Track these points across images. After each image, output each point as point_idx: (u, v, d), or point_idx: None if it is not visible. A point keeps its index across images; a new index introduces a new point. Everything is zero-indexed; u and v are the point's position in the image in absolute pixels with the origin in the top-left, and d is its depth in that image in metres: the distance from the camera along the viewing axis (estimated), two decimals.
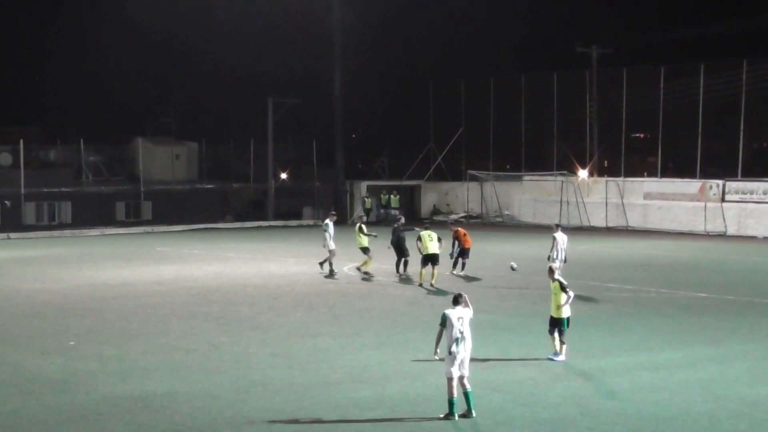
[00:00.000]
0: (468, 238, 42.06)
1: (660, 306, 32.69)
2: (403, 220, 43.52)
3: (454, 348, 19.14)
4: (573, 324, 29.10)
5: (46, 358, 24.72)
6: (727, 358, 24.54)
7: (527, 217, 73.19)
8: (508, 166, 79.50)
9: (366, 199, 76.08)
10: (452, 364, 19.13)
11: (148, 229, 68.82)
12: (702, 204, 62.88)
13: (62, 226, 68.98)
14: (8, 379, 22.51)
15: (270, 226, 71.82)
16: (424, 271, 37.70)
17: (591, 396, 20.67)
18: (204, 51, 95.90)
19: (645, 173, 71.13)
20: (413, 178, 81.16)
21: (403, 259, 40.46)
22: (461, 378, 19.24)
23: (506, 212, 75.01)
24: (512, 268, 39.00)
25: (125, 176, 77.50)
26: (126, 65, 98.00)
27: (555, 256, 36.90)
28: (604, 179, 69.75)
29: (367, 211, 74.43)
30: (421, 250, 37.75)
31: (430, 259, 37.60)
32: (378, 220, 73.88)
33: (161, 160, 79.69)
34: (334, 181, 78.24)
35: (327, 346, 25.93)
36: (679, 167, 70.92)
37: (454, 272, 41.19)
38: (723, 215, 61.83)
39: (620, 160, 70.66)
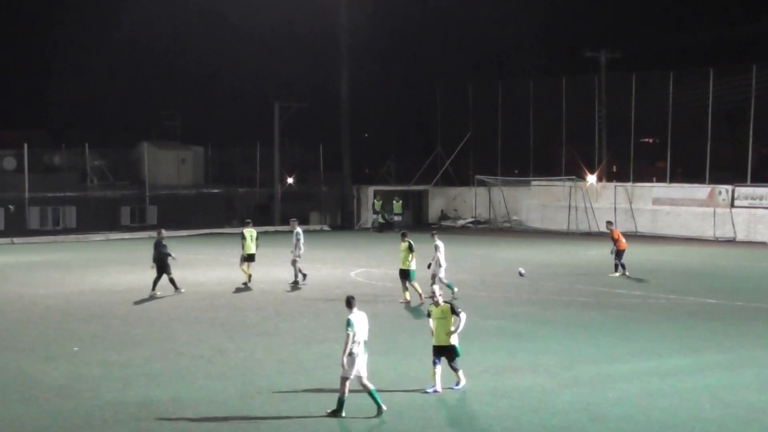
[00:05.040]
0: (621, 239, 42.25)
1: (669, 312, 32.50)
2: (164, 233, 38.72)
3: (356, 350, 19.51)
4: (581, 329, 29.03)
5: (50, 363, 24.60)
6: (736, 364, 24.37)
7: (535, 223, 72.99)
8: (516, 171, 79.29)
9: (376, 202, 75.73)
10: (352, 365, 19.44)
11: (154, 234, 68.50)
12: (711, 209, 62.62)
13: (67, 231, 68.74)
14: (11, 384, 22.41)
15: (276, 231, 71.56)
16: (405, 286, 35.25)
17: (599, 402, 20.50)
18: (210, 54, 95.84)
19: (654, 178, 70.83)
20: (420, 183, 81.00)
21: (167, 277, 36.85)
22: (360, 379, 19.55)
23: (514, 217, 74.83)
24: (520, 274, 38.93)
25: (130, 181, 77.41)
26: (131, 69, 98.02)
27: (441, 265, 34.81)
28: (612, 184, 69.50)
29: (382, 215, 73.98)
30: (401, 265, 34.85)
31: (404, 274, 34.98)
32: (375, 227, 73.29)
33: (167, 165, 79.65)
34: (340, 185, 78.07)
35: (333, 351, 25.69)
36: (688, 172, 70.63)
37: (616, 274, 41.49)
38: (732, 221, 61.57)
39: (629, 165, 70.44)
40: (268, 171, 78.78)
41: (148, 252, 53.46)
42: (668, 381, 22.32)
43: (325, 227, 76.19)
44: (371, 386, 19.60)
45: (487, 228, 73.51)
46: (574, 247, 57.45)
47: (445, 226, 75.89)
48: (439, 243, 35.00)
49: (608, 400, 20.68)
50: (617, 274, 41.64)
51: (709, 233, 62.44)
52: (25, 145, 68.18)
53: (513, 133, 76.98)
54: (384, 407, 19.45)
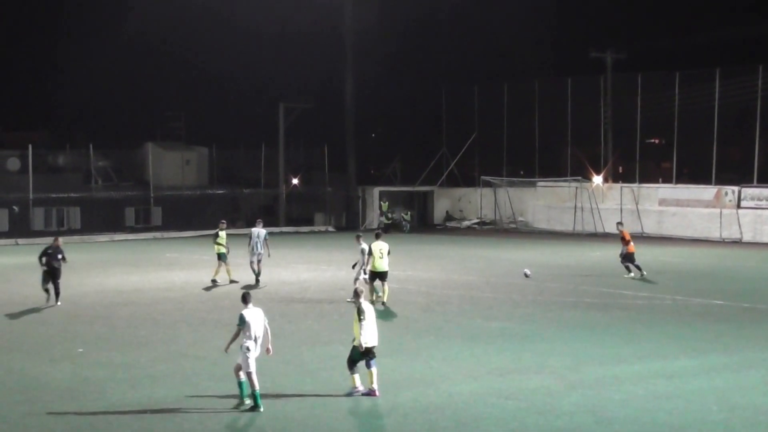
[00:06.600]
0: (631, 243, 42.00)
1: (675, 313, 32.39)
2: (60, 240, 35.70)
3: (251, 346, 20.11)
4: (587, 330, 28.97)
5: (54, 365, 24.53)
6: (742, 366, 24.26)
7: (541, 224, 72.93)
8: (521, 172, 79.29)
9: (383, 203, 75.59)
10: (251, 360, 20.05)
11: (158, 235, 68.66)
12: (717, 210, 62.55)
13: (71, 232, 68.62)
14: (15, 386, 22.34)
15: (281, 232, 71.55)
16: (375, 287, 34.51)
17: (605, 404, 20.40)
18: (214, 55, 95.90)
19: (660, 179, 70.83)
20: (426, 184, 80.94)
21: (54, 285, 34.86)
22: (249, 374, 20.10)
23: (520, 218, 74.76)
24: (525, 275, 38.83)
25: (135, 181, 77.43)
26: (135, 69, 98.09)
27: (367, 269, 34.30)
28: (618, 185, 69.47)
29: (386, 215, 73.81)
30: (370, 266, 34.12)
31: (379, 276, 34.21)
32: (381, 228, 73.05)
33: (171, 166, 79.65)
34: (345, 186, 78.02)
35: (338, 353, 25.64)
36: (694, 173, 70.54)
37: (630, 275, 41.30)
38: (738, 222, 61.50)
39: (635, 166, 70.44)
40: (272, 172, 78.76)
41: (150, 253, 53.53)
42: (674, 383, 22.22)
43: (330, 228, 76.18)
44: (257, 385, 20.09)
45: (493, 229, 73.45)
46: (579, 248, 57.36)
47: (451, 227, 75.89)
48: (365, 246, 34.71)
49: (614, 402, 20.58)
50: (645, 273, 41.43)
51: (715, 234, 62.36)
52: (30, 146, 68.16)
53: (518, 133, 76.99)
54: (261, 408, 19.94)
